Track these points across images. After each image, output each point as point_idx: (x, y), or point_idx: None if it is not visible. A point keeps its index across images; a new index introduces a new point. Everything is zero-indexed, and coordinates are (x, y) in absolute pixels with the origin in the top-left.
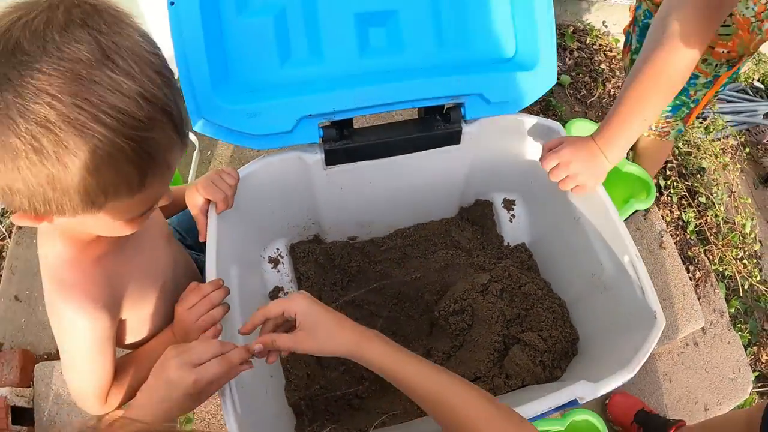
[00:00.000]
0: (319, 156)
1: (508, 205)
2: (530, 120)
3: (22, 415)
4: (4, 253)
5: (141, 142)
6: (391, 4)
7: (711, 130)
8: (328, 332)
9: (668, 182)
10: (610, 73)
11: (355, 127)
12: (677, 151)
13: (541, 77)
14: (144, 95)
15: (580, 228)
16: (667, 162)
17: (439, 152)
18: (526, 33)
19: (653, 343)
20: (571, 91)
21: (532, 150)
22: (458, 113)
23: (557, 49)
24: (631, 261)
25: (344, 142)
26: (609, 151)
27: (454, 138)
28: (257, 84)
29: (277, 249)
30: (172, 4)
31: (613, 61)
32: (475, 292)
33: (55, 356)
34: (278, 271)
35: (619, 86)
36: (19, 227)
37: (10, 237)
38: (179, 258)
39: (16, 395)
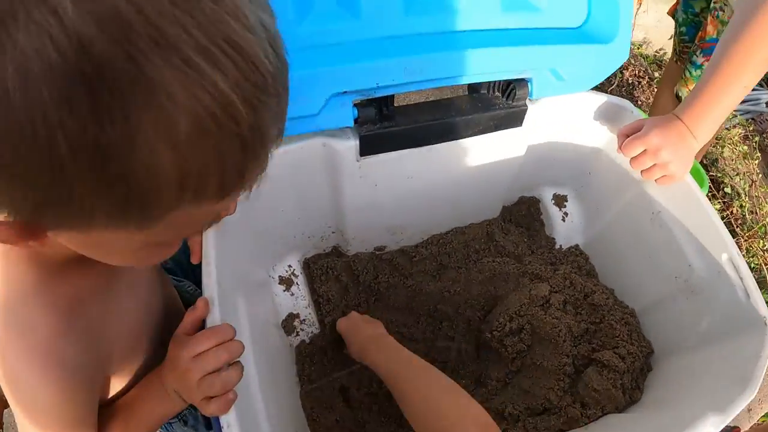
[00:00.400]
0: (352, 143)
1: (560, 201)
2: (598, 98)
3: None
4: None
5: (255, 119)
6: None
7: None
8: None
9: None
10: (626, 62)
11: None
12: None
13: (615, 51)
14: (262, 56)
15: (660, 223)
16: None
17: (496, 136)
18: None
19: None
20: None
21: (594, 134)
22: (525, 89)
23: None
24: (731, 259)
25: (385, 124)
26: (698, 130)
27: (517, 119)
28: None
29: (290, 266)
30: None
31: (630, 48)
32: (534, 306)
33: None
34: (292, 294)
35: (636, 74)
36: None
37: None
38: (170, 289)
39: None
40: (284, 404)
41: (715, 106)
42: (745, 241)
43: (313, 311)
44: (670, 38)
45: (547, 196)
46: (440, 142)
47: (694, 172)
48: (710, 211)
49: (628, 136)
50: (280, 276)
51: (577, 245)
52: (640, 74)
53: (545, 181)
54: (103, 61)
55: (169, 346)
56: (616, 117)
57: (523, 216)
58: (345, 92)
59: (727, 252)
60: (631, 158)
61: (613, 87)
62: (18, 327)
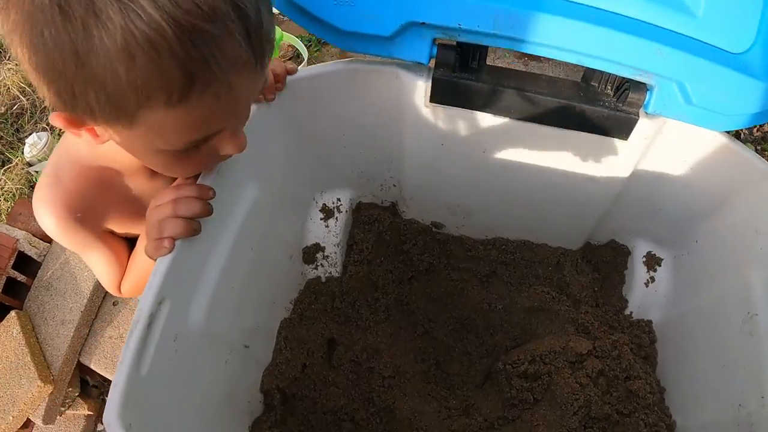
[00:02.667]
0: (424, 82)
1: (651, 262)
2: (733, 148)
3: (28, 264)
4: None
5: (194, 35)
6: None
7: None
8: None
9: None
10: None
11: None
12: None
13: None
14: None
15: (751, 330)
16: None
17: (593, 141)
18: None
19: None
20: None
21: (713, 191)
22: (641, 95)
23: None
24: None
25: (464, 75)
26: None
27: (623, 128)
28: None
29: (338, 200)
30: None
31: None
32: (563, 360)
33: None
34: (327, 226)
35: None
36: None
37: None
38: None
39: (29, 243)
40: (259, 317)
41: None
42: None
43: (341, 252)
44: None
45: (640, 250)
46: (524, 120)
47: None
48: None
49: None
50: (324, 204)
51: (650, 321)
52: None
53: (644, 233)
54: None
55: None
56: (744, 178)
57: (606, 262)
58: (424, 24)
59: None
60: None
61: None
62: (51, 173)
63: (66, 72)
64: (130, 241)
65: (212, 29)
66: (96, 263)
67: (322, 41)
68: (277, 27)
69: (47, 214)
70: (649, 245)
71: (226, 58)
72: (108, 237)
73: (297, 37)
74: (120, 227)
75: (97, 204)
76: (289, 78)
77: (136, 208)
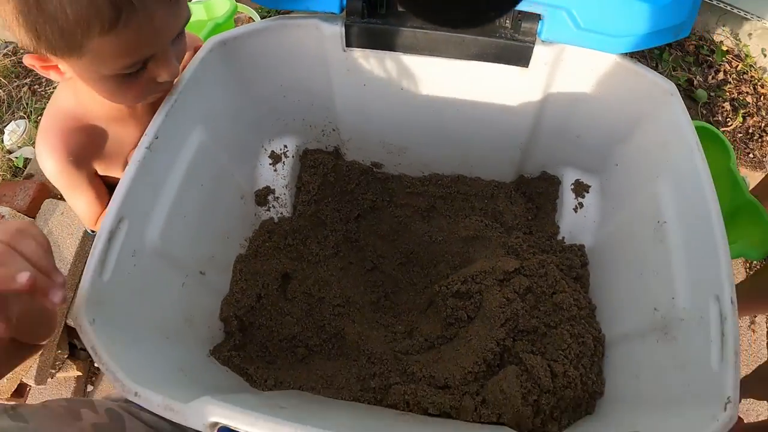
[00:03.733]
0: (339, 29)
1: (580, 189)
2: (635, 70)
3: None
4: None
5: None
6: None
7: None
8: None
9: None
10: (755, 109)
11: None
12: None
13: (668, 18)
14: None
15: (661, 237)
16: None
17: (498, 73)
18: None
19: None
20: (705, 112)
21: (625, 116)
22: (533, 24)
23: (702, 64)
24: (719, 304)
25: (374, 20)
26: None
27: (522, 56)
28: None
29: (285, 146)
30: None
31: (761, 98)
32: (492, 279)
33: None
34: (275, 170)
35: (760, 126)
36: None
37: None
38: None
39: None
40: (214, 248)
41: None
42: None
43: (290, 194)
44: None
45: (569, 179)
46: (432, 56)
47: (759, 223)
48: (718, 233)
49: None
50: (272, 150)
51: (582, 245)
52: (767, 128)
53: (571, 162)
54: None
55: None
56: (657, 103)
57: (539, 193)
58: None
59: (719, 292)
60: None
61: (727, 129)
62: (47, 125)
63: (31, 15)
64: (110, 187)
65: None
66: (80, 201)
67: (276, 10)
68: (231, 0)
69: (48, 159)
70: (576, 174)
71: None
72: (94, 178)
73: (255, 9)
74: (102, 169)
75: (84, 148)
76: (227, 35)
77: (114, 150)
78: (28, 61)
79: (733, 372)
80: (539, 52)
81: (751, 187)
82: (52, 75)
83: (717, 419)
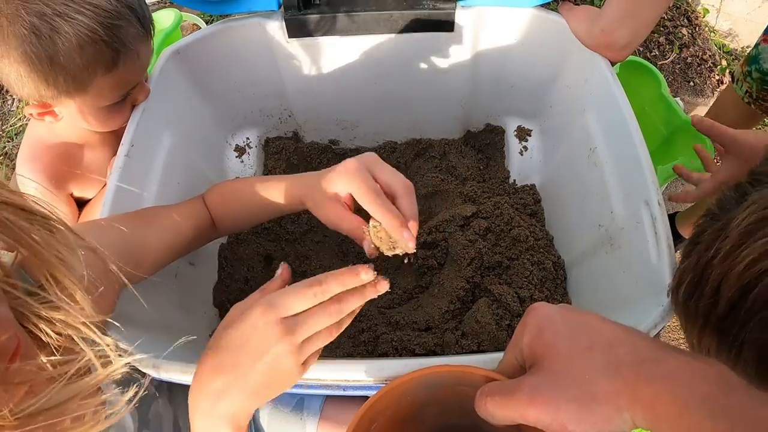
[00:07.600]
0: (280, 23)
1: (522, 134)
2: (551, 18)
3: None
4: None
5: (112, 29)
6: None
7: None
8: None
9: None
10: (690, 40)
11: None
12: None
13: None
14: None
15: (595, 161)
16: None
17: (428, 41)
18: None
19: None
20: (641, 49)
21: (548, 61)
22: None
23: None
24: (649, 207)
25: (310, 11)
26: None
27: (446, 22)
28: None
29: (247, 138)
30: None
31: (696, 28)
32: (453, 225)
33: None
34: (242, 162)
35: (698, 55)
36: None
37: None
38: None
39: None
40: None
41: None
42: None
43: None
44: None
45: (511, 126)
46: (366, 34)
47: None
48: (638, 144)
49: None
50: (236, 144)
51: (533, 185)
52: (705, 56)
53: (511, 111)
54: None
55: None
56: (556, 35)
57: (486, 144)
58: None
59: (647, 197)
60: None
61: (665, 62)
62: (28, 153)
63: (43, 70)
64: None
65: (122, 23)
66: None
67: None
68: (175, 11)
69: (31, 184)
70: (517, 120)
71: (133, 37)
72: (69, 199)
73: (198, 16)
74: (78, 191)
75: (63, 172)
76: (179, 44)
77: (90, 173)
78: (28, 111)
79: (669, 262)
80: (461, 16)
81: (692, 113)
82: (47, 119)
83: (661, 305)
